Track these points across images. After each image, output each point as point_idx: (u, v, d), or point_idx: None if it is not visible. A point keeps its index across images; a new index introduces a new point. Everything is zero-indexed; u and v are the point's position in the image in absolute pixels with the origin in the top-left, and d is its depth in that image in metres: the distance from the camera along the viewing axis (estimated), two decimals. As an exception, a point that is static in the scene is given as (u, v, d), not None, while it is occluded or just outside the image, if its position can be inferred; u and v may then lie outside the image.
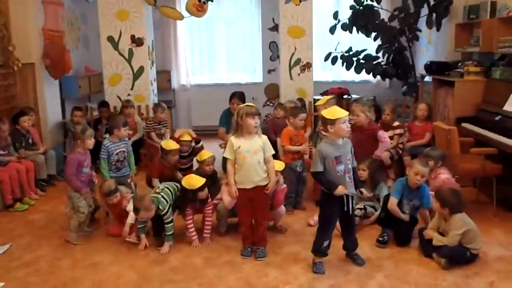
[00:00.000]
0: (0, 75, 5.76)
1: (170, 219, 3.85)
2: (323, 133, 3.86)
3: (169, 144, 4.87)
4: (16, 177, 5.01)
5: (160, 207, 3.82)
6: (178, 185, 4.07)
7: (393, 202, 3.87)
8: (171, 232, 3.85)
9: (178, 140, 5.19)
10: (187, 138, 5.25)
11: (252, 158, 3.54)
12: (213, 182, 4.40)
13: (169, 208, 3.86)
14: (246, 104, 3.66)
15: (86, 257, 3.78)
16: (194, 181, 3.91)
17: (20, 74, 5.98)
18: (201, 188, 3.89)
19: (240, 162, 3.55)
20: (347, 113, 3.38)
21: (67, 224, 4.16)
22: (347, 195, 3.36)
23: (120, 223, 4.11)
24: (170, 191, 3.98)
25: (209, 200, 4.06)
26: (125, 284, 3.35)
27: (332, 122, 3.29)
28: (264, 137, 3.63)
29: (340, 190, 3.28)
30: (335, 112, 3.34)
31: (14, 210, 4.90)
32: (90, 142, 4.31)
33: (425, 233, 3.71)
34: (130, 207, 3.98)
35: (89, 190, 4.33)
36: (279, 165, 4.03)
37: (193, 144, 5.39)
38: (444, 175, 4.17)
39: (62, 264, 3.68)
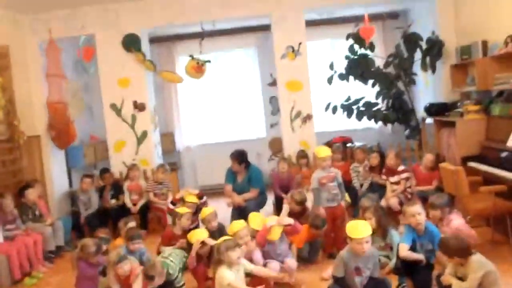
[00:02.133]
0: (6, 149, 5.85)
1: (181, 283, 3.78)
2: None
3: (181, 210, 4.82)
4: (24, 251, 4.98)
5: (170, 271, 3.75)
6: (185, 252, 4.02)
7: (403, 248, 3.77)
8: None
9: (179, 201, 5.19)
10: (191, 199, 5.22)
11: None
12: (221, 236, 4.33)
13: (179, 272, 3.79)
14: (224, 239, 3.68)
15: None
16: (197, 234, 3.93)
17: (26, 147, 6.08)
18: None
19: None
20: (369, 232, 3.44)
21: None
22: None
23: None
24: (178, 254, 3.92)
25: None
26: None
27: (350, 239, 3.39)
28: (245, 262, 3.72)
29: None
30: (355, 230, 3.42)
31: (23, 285, 4.83)
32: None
33: (442, 280, 3.58)
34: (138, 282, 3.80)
35: None
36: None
37: (197, 202, 5.34)
38: (456, 221, 4.02)
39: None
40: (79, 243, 4.12)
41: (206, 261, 4.16)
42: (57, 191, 6.46)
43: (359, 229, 3.42)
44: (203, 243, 4.05)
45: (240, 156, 5.91)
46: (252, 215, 4.57)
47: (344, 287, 3.35)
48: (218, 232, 4.40)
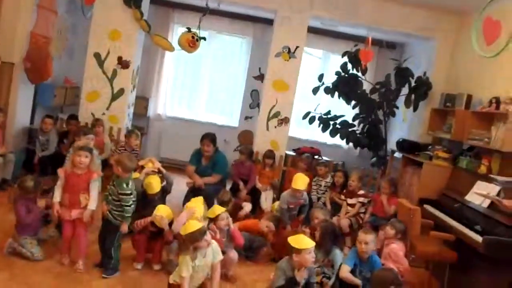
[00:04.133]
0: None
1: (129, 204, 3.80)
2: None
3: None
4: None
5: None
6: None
7: (345, 269, 3.86)
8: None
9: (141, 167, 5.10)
10: (150, 166, 5.12)
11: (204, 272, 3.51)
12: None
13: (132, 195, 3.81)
14: (191, 230, 3.38)
15: (25, 275, 3.61)
16: (161, 210, 4.04)
17: (-3, 71, 5.85)
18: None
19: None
20: (313, 244, 3.48)
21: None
22: None
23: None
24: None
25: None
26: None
27: (298, 251, 3.38)
28: (214, 244, 3.55)
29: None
30: (301, 242, 3.43)
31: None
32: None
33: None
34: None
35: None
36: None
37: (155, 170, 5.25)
38: (395, 245, 4.22)
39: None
40: (18, 180, 4.06)
41: (150, 235, 4.13)
42: (17, 124, 6.24)
43: (305, 241, 3.46)
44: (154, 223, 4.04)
45: (214, 139, 5.91)
46: (197, 199, 4.50)
47: None
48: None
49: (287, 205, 5.02)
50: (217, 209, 4.16)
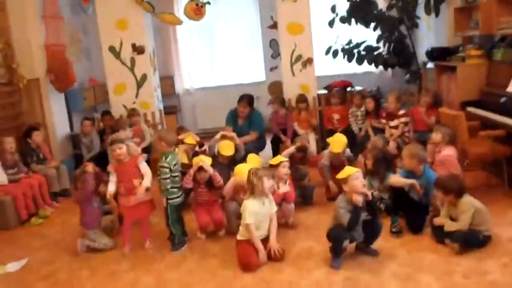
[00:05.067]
0: (5, 93, 5.84)
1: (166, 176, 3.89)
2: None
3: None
4: (30, 192, 5.08)
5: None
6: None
7: (396, 177, 3.89)
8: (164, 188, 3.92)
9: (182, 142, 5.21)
10: (190, 141, 5.23)
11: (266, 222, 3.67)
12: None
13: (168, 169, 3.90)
14: (263, 168, 3.71)
15: (104, 267, 3.83)
16: (200, 158, 4.17)
17: (25, 90, 6.06)
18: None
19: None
20: (358, 169, 3.44)
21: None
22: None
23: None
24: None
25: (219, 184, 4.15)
26: (143, 290, 3.40)
27: (345, 181, 3.38)
28: (269, 196, 3.73)
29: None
30: (345, 171, 3.42)
31: (30, 225, 4.97)
32: None
33: (434, 221, 3.72)
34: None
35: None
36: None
37: (196, 148, 5.36)
38: (446, 152, 4.18)
39: (81, 274, 3.73)
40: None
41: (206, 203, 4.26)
42: (59, 135, 6.50)
43: (348, 170, 3.43)
44: (201, 168, 4.09)
45: (251, 101, 5.97)
46: (251, 156, 4.61)
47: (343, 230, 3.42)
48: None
49: (329, 161, 4.87)
50: (281, 157, 4.30)
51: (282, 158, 4.29)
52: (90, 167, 4.18)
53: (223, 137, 4.99)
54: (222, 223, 4.23)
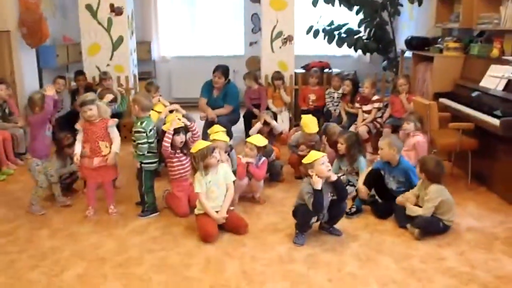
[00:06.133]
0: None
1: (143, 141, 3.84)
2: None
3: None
4: (-8, 147, 4.93)
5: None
6: None
7: (402, 199, 3.80)
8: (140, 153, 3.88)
9: None
10: (160, 108, 4.99)
11: (219, 190, 3.65)
12: None
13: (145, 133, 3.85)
14: (199, 147, 3.59)
15: (64, 227, 3.78)
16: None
17: (-6, 42, 5.83)
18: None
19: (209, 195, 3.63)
20: (324, 154, 3.44)
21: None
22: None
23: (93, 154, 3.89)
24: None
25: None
26: (104, 253, 3.37)
27: (311, 165, 3.37)
28: (225, 165, 3.75)
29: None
30: (311, 156, 3.42)
31: (-9, 180, 4.85)
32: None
33: (397, 200, 3.79)
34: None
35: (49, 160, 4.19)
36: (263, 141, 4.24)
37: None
38: (420, 138, 4.40)
39: (40, 234, 3.68)
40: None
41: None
42: (28, 91, 6.27)
43: (313, 154, 3.43)
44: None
45: (226, 71, 5.90)
46: (215, 127, 4.44)
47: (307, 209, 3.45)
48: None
49: (296, 143, 4.90)
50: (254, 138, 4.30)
51: (253, 139, 4.26)
52: (50, 90, 4.03)
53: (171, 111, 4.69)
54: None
